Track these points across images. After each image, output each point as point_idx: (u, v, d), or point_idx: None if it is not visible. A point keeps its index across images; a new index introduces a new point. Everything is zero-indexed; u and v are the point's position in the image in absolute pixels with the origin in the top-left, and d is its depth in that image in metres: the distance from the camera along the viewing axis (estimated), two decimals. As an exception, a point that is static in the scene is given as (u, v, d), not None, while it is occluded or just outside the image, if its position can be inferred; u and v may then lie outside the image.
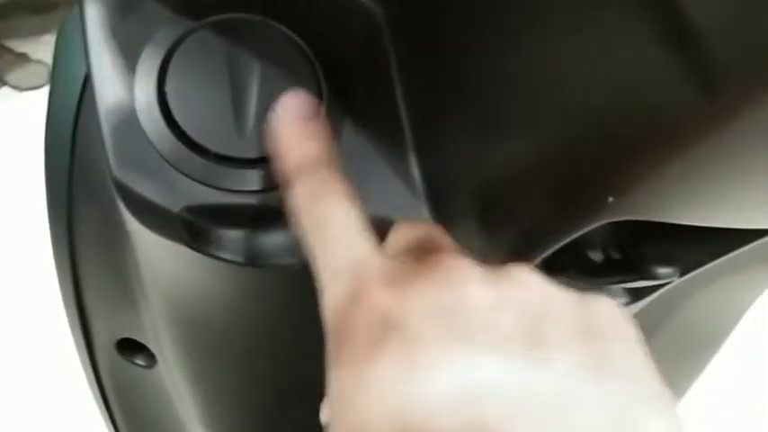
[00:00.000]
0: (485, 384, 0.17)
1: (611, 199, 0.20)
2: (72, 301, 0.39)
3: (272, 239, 0.28)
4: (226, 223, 0.27)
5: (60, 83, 0.30)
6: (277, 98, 0.26)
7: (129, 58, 0.26)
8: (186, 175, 0.26)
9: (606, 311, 0.19)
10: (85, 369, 0.44)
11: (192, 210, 0.27)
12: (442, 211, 0.29)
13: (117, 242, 0.33)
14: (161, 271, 0.33)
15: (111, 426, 0.47)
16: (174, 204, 0.26)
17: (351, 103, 0.28)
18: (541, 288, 0.19)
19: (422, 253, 0.23)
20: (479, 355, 0.17)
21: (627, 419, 0.17)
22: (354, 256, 0.21)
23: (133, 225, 0.29)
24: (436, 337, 0.18)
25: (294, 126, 0.25)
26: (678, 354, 0.43)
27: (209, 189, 0.27)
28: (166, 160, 0.26)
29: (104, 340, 0.43)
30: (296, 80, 0.27)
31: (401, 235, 0.25)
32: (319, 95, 0.27)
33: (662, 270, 0.25)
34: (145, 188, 0.26)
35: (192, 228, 0.27)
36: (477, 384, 0.17)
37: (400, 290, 0.19)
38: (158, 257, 0.32)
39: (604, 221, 0.22)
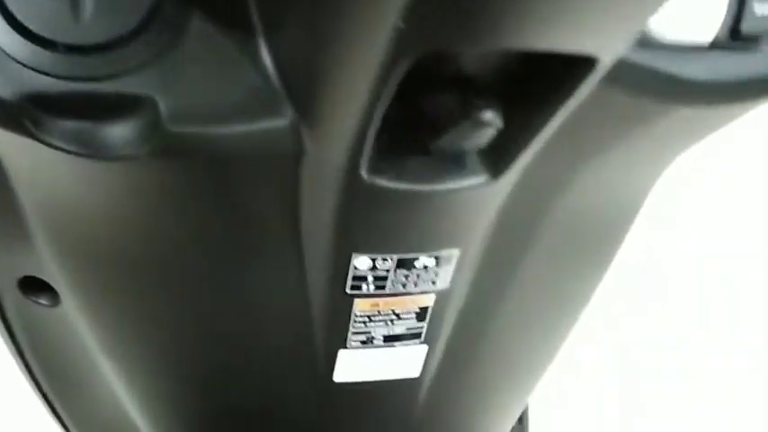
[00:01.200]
0: None
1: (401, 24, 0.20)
2: None
3: (117, 130, 0.28)
4: (69, 114, 0.27)
5: None
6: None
7: None
8: (24, 65, 0.27)
9: None
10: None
11: (33, 99, 0.27)
12: (298, 96, 0.29)
13: None
14: (31, 181, 0.33)
15: (24, 368, 0.47)
16: (15, 95, 0.27)
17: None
18: None
19: None
20: None
21: None
22: None
23: None
24: None
25: None
26: (578, 249, 0.43)
27: (49, 78, 0.27)
28: (2, 50, 0.26)
29: (6, 279, 0.43)
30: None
31: None
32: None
33: (486, 115, 0.24)
34: None
35: (35, 119, 0.27)
36: None
37: None
38: (23, 165, 0.32)
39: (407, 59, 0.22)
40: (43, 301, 0.43)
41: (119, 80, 0.28)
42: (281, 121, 0.29)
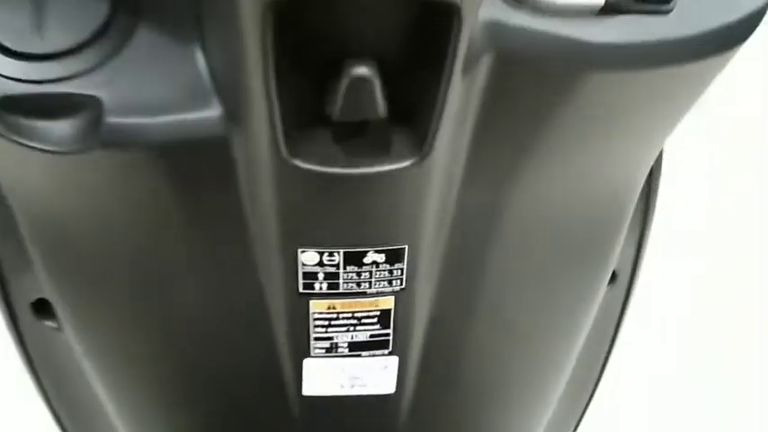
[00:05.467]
0: None
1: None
2: None
3: (67, 125, 0.32)
4: (28, 113, 0.32)
5: None
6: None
7: None
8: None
9: None
10: (9, 329, 0.48)
11: (1, 102, 0.32)
12: (222, 91, 0.32)
13: None
14: (17, 193, 0.38)
15: (37, 386, 0.50)
16: None
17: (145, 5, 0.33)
18: None
19: None
20: None
21: None
22: None
23: None
24: None
25: None
26: (558, 254, 0.41)
27: (12, 82, 0.32)
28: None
29: (21, 301, 0.47)
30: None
31: None
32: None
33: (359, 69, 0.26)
34: None
35: (3, 119, 0.32)
36: None
37: None
38: (6, 173, 0.37)
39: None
40: (51, 324, 0.47)
41: (70, 82, 0.32)
42: (212, 113, 0.32)
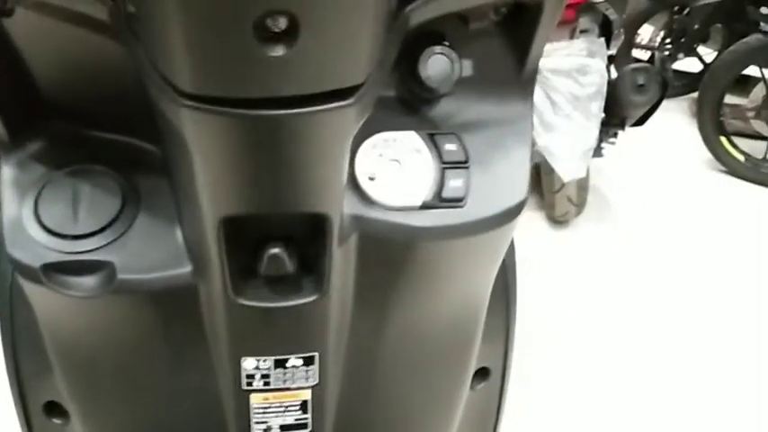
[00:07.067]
0: None
1: None
2: (11, 367, 0.59)
3: (90, 280, 0.49)
4: (65, 272, 0.49)
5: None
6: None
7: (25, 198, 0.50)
8: (45, 247, 0.49)
9: None
10: (22, 426, 0.62)
11: (47, 266, 0.49)
12: (196, 261, 0.50)
13: (32, 311, 0.55)
14: (52, 323, 0.54)
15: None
16: (37, 263, 0.49)
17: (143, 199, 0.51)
18: None
19: None
20: None
21: None
22: None
23: (26, 286, 0.50)
24: None
25: None
26: (429, 355, 0.58)
27: (56, 253, 0.49)
28: (34, 239, 0.49)
29: (35, 404, 0.62)
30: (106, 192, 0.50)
31: None
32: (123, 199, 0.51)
33: (272, 251, 0.46)
34: (29, 258, 0.49)
35: (47, 276, 0.49)
36: None
37: None
38: (46, 310, 0.53)
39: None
40: (58, 421, 0.62)
41: (94, 253, 0.50)
42: (185, 269, 0.50)
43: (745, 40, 2.33)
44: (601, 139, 1.88)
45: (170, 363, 0.55)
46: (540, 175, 2.04)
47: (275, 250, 0.45)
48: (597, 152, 1.90)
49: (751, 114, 2.51)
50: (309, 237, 0.48)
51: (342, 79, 0.37)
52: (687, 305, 1.73)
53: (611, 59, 1.92)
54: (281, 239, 0.47)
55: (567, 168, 1.83)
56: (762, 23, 2.39)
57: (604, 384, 1.46)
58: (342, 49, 0.35)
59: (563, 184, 1.94)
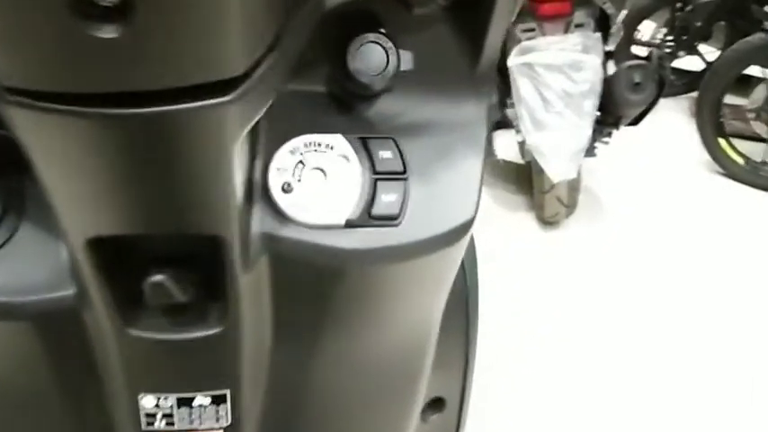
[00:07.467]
0: None
1: None
2: None
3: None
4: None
5: None
6: None
7: None
8: None
9: None
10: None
11: None
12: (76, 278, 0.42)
13: None
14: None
15: None
16: None
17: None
18: None
19: None
20: None
21: None
22: None
23: None
24: None
25: None
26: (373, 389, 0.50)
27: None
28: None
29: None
30: None
31: None
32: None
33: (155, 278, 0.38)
34: None
35: None
36: None
37: None
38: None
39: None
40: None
41: None
42: (68, 291, 0.42)
43: (747, 38, 2.25)
44: (594, 139, 1.81)
45: (60, 399, 0.47)
46: (532, 174, 1.97)
47: (158, 277, 0.38)
48: (590, 152, 1.83)
49: (751, 116, 2.43)
50: (211, 260, 0.40)
51: (209, 70, 0.28)
52: (679, 309, 1.68)
53: (609, 56, 1.84)
54: (176, 261, 0.39)
55: (557, 168, 1.76)
56: (765, 22, 2.31)
57: (594, 386, 1.41)
58: (200, 30, 0.27)
59: (553, 185, 1.87)
